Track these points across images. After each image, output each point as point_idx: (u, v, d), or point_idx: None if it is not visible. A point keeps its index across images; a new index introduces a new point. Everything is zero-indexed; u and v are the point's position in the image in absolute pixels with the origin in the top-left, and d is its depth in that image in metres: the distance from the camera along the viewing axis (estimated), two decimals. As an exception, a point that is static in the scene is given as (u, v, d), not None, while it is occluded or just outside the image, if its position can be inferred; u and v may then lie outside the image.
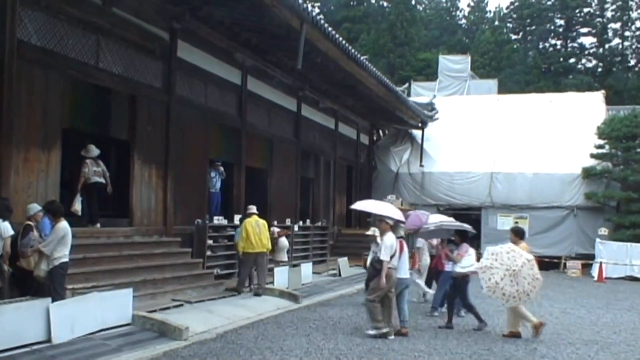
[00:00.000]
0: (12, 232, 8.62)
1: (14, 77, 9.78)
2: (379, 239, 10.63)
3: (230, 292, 13.26)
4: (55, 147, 10.81)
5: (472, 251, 11.57)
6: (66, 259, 8.93)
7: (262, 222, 13.60)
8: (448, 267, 12.07)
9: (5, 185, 9.64)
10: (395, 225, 10.71)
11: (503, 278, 9.92)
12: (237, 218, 14.84)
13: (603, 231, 23.14)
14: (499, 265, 10.00)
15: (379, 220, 10.61)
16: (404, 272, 10.64)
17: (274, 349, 8.95)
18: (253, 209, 13.81)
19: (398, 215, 10.93)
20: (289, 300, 13.14)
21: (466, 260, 11.33)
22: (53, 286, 8.74)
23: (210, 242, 14.40)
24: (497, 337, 10.39)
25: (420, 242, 14.04)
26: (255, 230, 13.30)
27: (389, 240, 10.10)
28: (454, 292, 11.54)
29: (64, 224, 8.94)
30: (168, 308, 11.04)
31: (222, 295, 13.00)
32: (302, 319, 11.40)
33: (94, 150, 12.45)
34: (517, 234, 11.15)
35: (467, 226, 12.15)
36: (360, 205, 12.01)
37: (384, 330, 10.00)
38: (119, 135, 13.98)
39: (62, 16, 10.78)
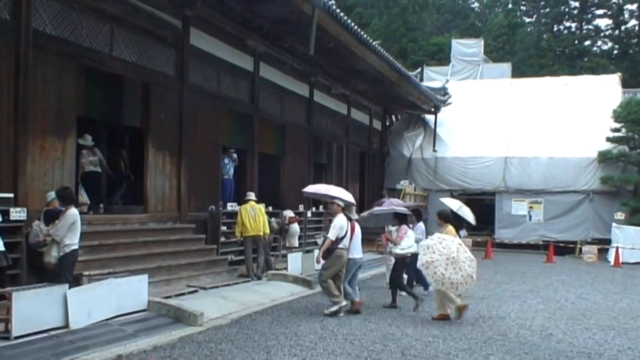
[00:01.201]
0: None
1: (30, 66, 9.84)
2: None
3: (244, 279, 13.34)
4: (71, 135, 10.89)
5: (410, 233, 11.84)
6: (76, 247, 8.98)
7: (258, 207, 13.85)
8: None
9: (22, 173, 9.73)
10: (347, 208, 11.05)
11: (447, 268, 9.97)
12: (233, 205, 14.91)
13: (619, 215, 22.99)
14: (438, 256, 10.03)
15: (330, 203, 11.00)
16: (357, 253, 10.97)
17: (288, 334, 9.00)
18: (251, 195, 14.12)
19: (349, 197, 11.30)
20: (303, 286, 13.19)
21: (405, 242, 11.63)
22: (62, 273, 8.80)
23: (224, 228, 14.47)
24: (512, 323, 10.38)
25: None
26: (250, 214, 13.62)
27: (339, 222, 10.50)
28: (396, 272, 11.79)
29: (73, 211, 8.96)
30: (183, 294, 11.12)
31: (236, 281, 13.09)
32: (316, 305, 11.45)
33: (89, 140, 12.55)
34: (442, 217, 11.43)
35: (401, 209, 12.49)
36: (312, 188, 12.32)
37: (343, 303, 10.41)
38: (132, 123, 14.05)
39: (76, 5, 10.81)
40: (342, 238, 10.51)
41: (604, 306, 12.46)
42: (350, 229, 10.69)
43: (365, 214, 13.13)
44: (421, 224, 13.43)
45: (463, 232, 13.62)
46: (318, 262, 10.79)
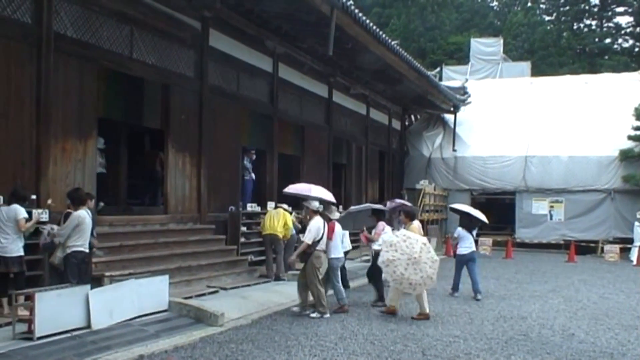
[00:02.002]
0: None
1: (51, 69, 9.95)
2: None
3: (265, 279, 13.38)
4: (92, 136, 10.99)
5: (388, 229, 11.85)
6: (80, 248, 8.89)
7: (282, 212, 14.12)
8: (460, 250, 13.04)
9: (44, 175, 9.84)
10: (327, 208, 11.24)
11: (407, 268, 9.94)
12: (253, 206, 15.21)
13: (641, 214, 22.75)
14: (400, 255, 10.00)
15: (306, 205, 10.99)
16: (336, 253, 11.02)
17: (309, 334, 9.02)
18: (283, 205, 14.49)
19: (329, 196, 11.48)
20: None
21: (383, 238, 11.65)
22: (65, 274, 8.82)
23: (243, 229, 14.52)
24: (534, 323, 10.31)
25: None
26: (271, 215, 14.02)
27: (315, 224, 10.50)
28: (374, 267, 11.83)
29: (79, 213, 8.92)
30: (203, 294, 11.18)
31: (256, 281, 13.14)
32: (336, 305, 11.44)
33: (102, 142, 12.68)
34: (408, 215, 11.61)
35: (377, 205, 12.83)
36: (293, 188, 12.29)
37: (327, 315, 10.38)
38: (152, 125, 14.14)
39: (96, 8, 10.91)
40: (319, 241, 10.49)
41: (626, 306, 12.33)
42: (329, 229, 10.71)
43: (343, 214, 13.20)
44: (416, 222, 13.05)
45: (475, 231, 13.82)
46: (291, 266, 10.75)
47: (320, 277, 10.55)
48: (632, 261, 21.36)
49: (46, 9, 9.81)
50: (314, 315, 10.38)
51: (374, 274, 11.89)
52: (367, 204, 13.20)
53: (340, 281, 11.24)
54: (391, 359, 7.80)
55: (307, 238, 10.43)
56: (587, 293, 13.91)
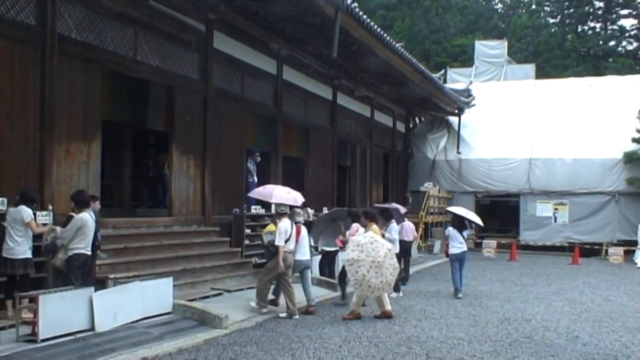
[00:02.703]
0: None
1: (55, 71, 9.96)
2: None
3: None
4: (96, 138, 10.99)
5: (361, 230, 11.81)
6: (82, 251, 8.80)
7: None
8: (452, 249, 13.38)
9: (48, 177, 9.85)
10: (293, 211, 11.25)
11: (369, 270, 9.94)
12: (257, 208, 15.16)
13: (646, 217, 22.72)
14: (365, 257, 9.99)
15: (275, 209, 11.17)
16: (303, 254, 11.07)
17: (313, 337, 9.00)
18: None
19: (290, 200, 11.44)
20: (327, 289, 13.18)
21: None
22: (69, 276, 8.76)
23: (248, 231, 14.51)
24: (538, 325, 10.28)
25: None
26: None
27: (284, 226, 10.54)
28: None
29: (82, 215, 8.84)
30: (208, 297, 11.19)
31: (260, 283, 13.10)
32: (340, 307, 11.43)
33: None
34: (368, 217, 11.57)
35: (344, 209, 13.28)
36: (256, 193, 12.34)
37: (264, 310, 10.50)
38: (156, 127, 14.15)
39: (100, 10, 10.93)
40: (287, 241, 10.56)
41: (630, 308, 12.29)
42: (295, 232, 10.81)
43: (317, 220, 13.48)
44: (393, 224, 13.13)
45: (467, 232, 14.00)
46: (275, 269, 10.71)
47: (289, 277, 10.75)
48: (636, 264, 21.33)
49: (50, 11, 9.82)
50: (253, 304, 10.53)
51: (341, 274, 12.07)
52: (336, 208, 13.76)
53: (310, 284, 11.32)
54: (395, 361, 7.79)
55: (279, 240, 10.48)
56: (591, 295, 13.87)
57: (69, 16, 10.32)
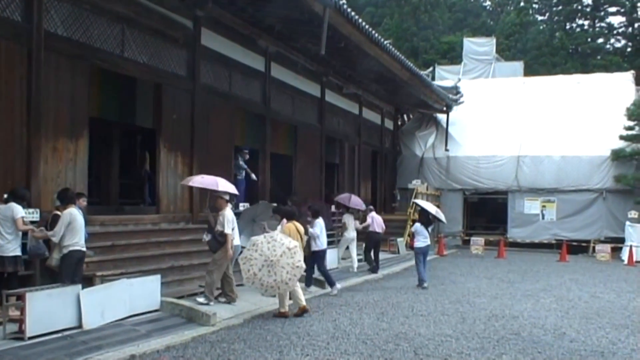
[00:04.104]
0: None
1: (42, 68, 9.88)
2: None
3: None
4: (83, 136, 10.92)
5: (320, 221, 13.12)
6: (77, 247, 8.86)
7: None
8: (417, 243, 14.49)
9: (35, 175, 9.78)
10: (231, 200, 11.58)
11: (261, 269, 9.98)
12: (245, 205, 15.12)
13: (633, 214, 22.75)
14: (258, 256, 10.04)
15: (216, 197, 11.09)
16: (236, 240, 11.24)
17: (301, 334, 9.01)
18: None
19: (233, 189, 11.62)
20: (315, 286, 13.19)
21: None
22: (60, 274, 8.78)
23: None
24: (525, 322, 10.33)
25: (346, 218, 16.72)
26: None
27: (229, 215, 10.77)
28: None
29: (69, 211, 8.89)
30: (195, 294, 11.15)
31: (248, 281, 13.08)
32: (328, 304, 11.46)
33: None
34: (281, 213, 12.13)
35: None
36: (197, 182, 11.70)
37: (212, 303, 10.51)
38: (144, 124, 14.09)
39: (87, 6, 10.85)
40: (233, 229, 10.81)
41: (617, 305, 12.38)
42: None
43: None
44: (319, 220, 13.28)
45: (432, 227, 15.42)
46: (225, 260, 10.73)
47: (230, 265, 10.94)
48: (623, 260, 21.46)
49: (36, 7, 9.73)
50: (200, 299, 10.52)
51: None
52: (262, 202, 14.59)
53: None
54: (383, 358, 7.80)
55: (227, 229, 10.57)
56: (578, 292, 13.96)
57: (55, 13, 10.24)
